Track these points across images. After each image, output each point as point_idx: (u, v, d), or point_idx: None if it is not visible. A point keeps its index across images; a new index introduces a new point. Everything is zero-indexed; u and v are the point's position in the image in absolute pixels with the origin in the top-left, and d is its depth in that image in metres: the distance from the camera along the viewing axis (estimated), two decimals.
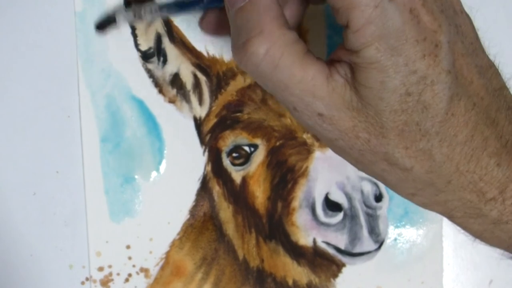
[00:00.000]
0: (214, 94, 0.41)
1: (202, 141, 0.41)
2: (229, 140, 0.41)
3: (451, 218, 0.32)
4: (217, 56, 0.40)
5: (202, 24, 0.36)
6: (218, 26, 0.36)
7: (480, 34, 0.30)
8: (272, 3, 0.29)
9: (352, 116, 0.29)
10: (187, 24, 0.40)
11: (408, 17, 0.27)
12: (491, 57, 0.31)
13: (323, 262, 0.41)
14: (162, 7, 0.36)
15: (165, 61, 0.40)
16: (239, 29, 0.29)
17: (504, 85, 0.31)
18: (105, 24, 0.39)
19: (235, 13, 0.29)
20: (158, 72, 0.40)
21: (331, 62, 0.29)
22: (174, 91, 0.41)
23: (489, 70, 0.30)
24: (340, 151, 0.31)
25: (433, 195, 0.31)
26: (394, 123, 0.28)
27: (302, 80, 0.28)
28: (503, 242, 0.32)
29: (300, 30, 0.40)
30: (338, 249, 0.41)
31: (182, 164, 0.41)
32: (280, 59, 0.28)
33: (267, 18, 0.28)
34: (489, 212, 0.30)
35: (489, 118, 0.30)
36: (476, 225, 0.32)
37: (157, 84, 0.40)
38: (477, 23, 0.31)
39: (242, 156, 0.41)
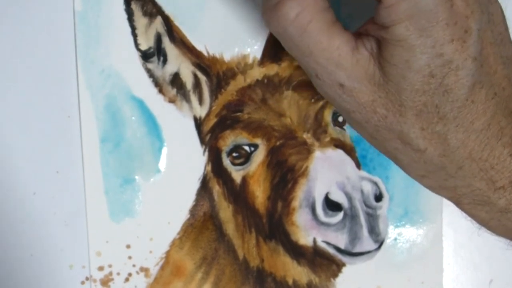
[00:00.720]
0: (214, 93, 0.41)
1: (202, 141, 0.41)
2: (229, 139, 0.41)
3: (459, 204, 0.32)
4: (217, 55, 0.41)
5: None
6: None
7: (509, 24, 0.31)
8: None
9: (373, 91, 0.29)
10: (188, 24, 0.40)
11: None
12: None
13: (323, 262, 0.41)
14: None
15: (165, 61, 0.40)
16: None
17: None
18: None
19: None
20: (158, 72, 0.40)
21: (358, 35, 0.29)
22: (174, 91, 0.41)
23: None
24: (355, 124, 0.31)
25: (443, 179, 0.31)
26: (414, 102, 0.28)
27: (327, 48, 0.28)
28: (509, 232, 0.33)
29: None
30: (338, 249, 0.41)
31: (182, 164, 0.41)
32: (309, 24, 0.28)
33: None
34: (497, 201, 0.31)
35: (508, 108, 0.30)
36: (483, 213, 0.32)
37: (157, 84, 0.40)
38: (507, 13, 0.31)
39: (242, 156, 0.41)
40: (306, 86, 0.41)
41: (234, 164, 0.41)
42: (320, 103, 0.40)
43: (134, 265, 0.41)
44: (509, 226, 0.32)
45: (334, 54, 0.29)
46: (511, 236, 0.33)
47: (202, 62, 0.40)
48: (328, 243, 0.41)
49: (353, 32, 0.29)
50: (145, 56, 0.40)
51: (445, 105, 0.28)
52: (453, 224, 0.42)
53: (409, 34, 0.27)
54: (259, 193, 0.41)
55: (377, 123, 0.29)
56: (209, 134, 0.41)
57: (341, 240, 0.41)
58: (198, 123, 0.41)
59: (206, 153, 0.41)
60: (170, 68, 0.40)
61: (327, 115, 0.41)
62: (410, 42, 0.27)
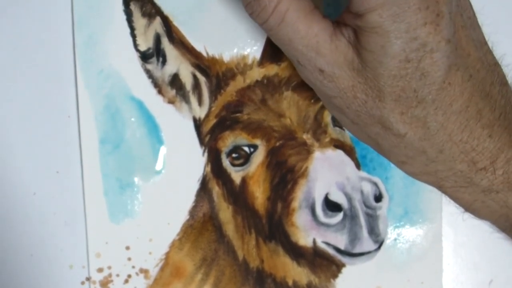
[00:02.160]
0: (214, 94, 0.41)
1: (201, 142, 0.41)
2: (228, 140, 0.41)
3: (441, 188, 0.33)
4: (217, 56, 0.40)
5: None
6: None
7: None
8: None
9: (352, 76, 0.29)
10: (187, 24, 0.40)
11: None
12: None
13: (323, 263, 0.41)
14: None
15: (164, 62, 0.40)
16: None
17: (497, 62, 0.32)
18: None
19: None
20: (157, 73, 0.40)
21: (337, 24, 0.30)
22: (173, 92, 0.41)
23: (485, 45, 0.31)
24: (337, 109, 0.31)
25: (424, 164, 0.31)
26: (392, 88, 0.29)
27: (306, 35, 0.29)
28: (494, 213, 0.33)
29: None
30: (338, 250, 0.41)
31: (181, 164, 0.41)
32: (286, 13, 0.29)
33: None
34: (479, 182, 0.31)
35: (484, 91, 0.30)
36: (467, 195, 0.32)
37: (156, 84, 0.40)
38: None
39: (241, 157, 0.41)
40: (306, 86, 0.40)
41: (233, 165, 0.41)
42: (320, 104, 0.40)
43: (133, 267, 0.41)
44: (492, 207, 0.33)
45: (312, 41, 0.29)
46: (495, 218, 0.34)
47: (201, 63, 0.40)
48: (328, 244, 0.41)
49: (332, 21, 0.30)
50: (144, 56, 0.40)
51: (422, 88, 0.29)
52: (453, 224, 0.42)
53: (382, 20, 0.27)
54: (259, 194, 0.41)
55: (357, 108, 0.30)
56: (209, 135, 0.41)
57: (341, 241, 0.41)
58: (198, 124, 0.41)
59: (206, 154, 0.41)
60: (169, 68, 0.40)
61: (327, 116, 0.41)
62: (384, 28, 0.27)
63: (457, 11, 0.29)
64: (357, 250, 0.41)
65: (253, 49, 0.40)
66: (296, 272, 0.41)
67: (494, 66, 0.31)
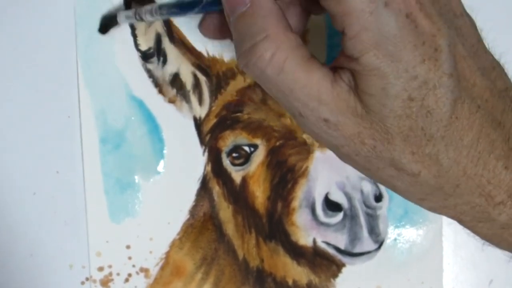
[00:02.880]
0: (214, 94, 0.41)
1: (202, 141, 0.41)
2: (229, 140, 0.41)
3: (461, 222, 0.31)
4: (217, 56, 0.40)
5: (201, 28, 0.35)
6: (218, 30, 0.35)
7: (484, 34, 0.30)
8: (274, 7, 0.28)
9: (357, 122, 0.28)
10: (187, 24, 0.40)
11: (404, 22, 0.26)
12: (496, 57, 0.31)
13: (323, 262, 0.41)
14: (161, 8, 0.35)
15: (165, 61, 0.40)
16: (243, 35, 0.29)
17: (509, 86, 0.30)
18: (107, 25, 0.39)
19: (236, 20, 0.29)
20: (158, 72, 0.40)
21: (334, 68, 0.29)
22: (174, 91, 0.41)
23: (493, 71, 0.30)
24: (346, 158, 0.30)
25: (442, 199, 0.30)
26: (399, 128, 0.28)
27: (307, 84, 0.28)
28: None
29: None
30: (338, 249, 0.41)
31: (182, 164, 0.41)
32: (285, 62, 0.28)
33: (271, 22, 0.28)
34: (497, 217, 0.30)
35: (495, 120, 0.29)
36: (485, 229, 0.31)
37: (157, 84, 0.40)
38: (479, 23, 0.30)
39: (242, 156, 0.41)
40: None
41: (234, 164, 0.41)
42: None
43: (134, 266, 0.41)
44: (511, 241, 0.32)
45: (314, 90, 0.28)
46: None
47: (202, 63, 0.40)
48: (328, 244, 0.41)
49: (329, 66, 0.29)
50: (145, 56, 0.40)
51: (430, 126, 0.28)
52: (453, 224, 0.42)
53: (379, 61, 0.27)
54: (259, 193, 0.41)
55: (367, 154, 0.29)
56: (209, 134, 0.41)
57: (341, 241, 0.41)
58: (198, 124, 0.41)
59: (206, 154, 0.41)
60: (170, 68, 0.40)
61: None
62: (382, 70, 0.27)
63: (458, 41, 0.28)
64: (357, 250, 0.41)
65: None
66: (296, 271, 0.41)
67: (505, 92, 0.30)
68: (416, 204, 0.32)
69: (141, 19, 0.37)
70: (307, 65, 0.28)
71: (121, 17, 0.38)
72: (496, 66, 0.30)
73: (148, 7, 0.36)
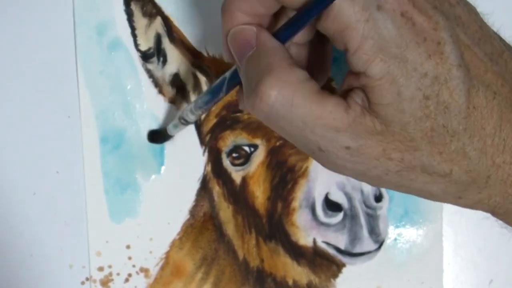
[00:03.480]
0: None
1: (202, 141, 0.41)
2: (229, 140, 0.41)
3: (495, 214, 0.31)
4: (217, 56, 0.40)
5: (240, 103, 0.33)
6: None
7: (492, 19, 0.30)
8: (278, 46, 0.28)
9: (379, 140, 0.28)
10: (187, 25, 0.40)
11: (401, 21, 0.26)
12: (507, 40, 0.30)
13: (323, 262, 0.41)
14: (198, 103, 0.35)
15: (165, 62, 0.40)
16: (250, 77, 0.28)
17: None
18: (160, 139, 0.40)
19: (245, 65, 0.29)
20: (158, 73, 0.40)
21: (344, 92, 0.28)
22: (174, 91, 0.41)
23: (503, 54, 0.29)
24: (377, 180, 0.30)
25: (477, 193, 0.30)
26: (422, 132, 0.28)
27: (321, 115, 0.27)
28: None
29: None
30: (338, 249, 0.41)
31: (182, 164, 0.41)
32: (293, 96, 0.27)
33: (275, 59, 0.28)
34: None
35: None
36: None
37: (157, 84, 0.40)
38: (487, 8, 0.30)
39: (242, 156, 0.41)
40: None
41: (234, 164, 0.41)
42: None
43: (134, 266, 0.41)
44: None
45: (329, 119, 0.27)
46: None
47: (201, 63, 0.40)
48: (328, 244, 0.41)
49: (338, 93, 0.29)
50: (145, 56, 0.40)
51: (450, 121, 0.27)
52: (453, 224, 0.42)
53: (387, 66, 0.26)
54: (259, 193, 0.41)
55: (396, 168, 0.28)
56: (209, 134, 0.41)
57: (341, 241, 0.41)
58: (198, 124, 0.41)
59: (206, 154, 0.41)
60: (170, 68, 0.40)
61: None
62: (392, 74, 0.26)
63: (459, 31, 0.28)
64: (357, 250, 0.41)
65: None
66: (296, 271, 0.41)
67: None
68: (454, 205, 0.31)
69: (187, 122, 0.37)
70: (317, 97, 0.28)
71: (170, 130, 0.38)
72: (505, 50, 0.30)
73: (187, 107, 0.36)
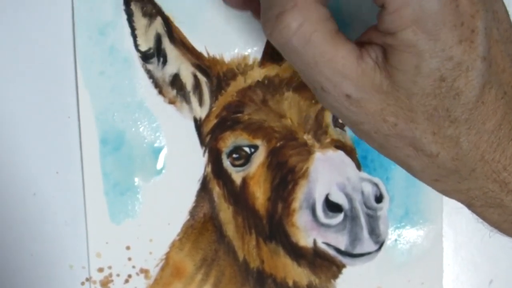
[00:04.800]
0: (214, 95, 0.41)
1: (202, 142, 0.41)
2: (229, 141, 0.41)
3: (471, 206, 0.32)
4: (218, 56, 0.40)
5: None
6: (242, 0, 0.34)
7: None
8: None
9: (381, 99, 0.28)
10: (188, 25, 0.40)
11: (446, 0, 0.26)
12: None
13: (324, 263, 0.41)
14: None
15: (165, 62, 0.40)
16: (271, 2, 0.28)
17: None
18: None
19: None
20: (158, 73, 0.40)
21: (361, 44, 0.28)
22: (174, 92, 0.40)
23: None
24: (364, 135, 0.30)
25: (456, 182, 0.30)
26: (424, 107, 0.28)
27: (332, 58, 0.28)
28: None
29: None
30: (338, 250, 0.41)
31: (182, 165, 0.41)
32: (312, 34, 0.27)
33: None
34: (510, 203, 0.30)
35: None
36: (496, 215, 0.31)
37: (157, 85, 0.40)
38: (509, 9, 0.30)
39: (242, 157, 0.41)
40: (307, 87, 0.40)
41: (234, 165, 0.41)
42: (321, 104, 0.40)
43: (134, 267, 0.41)
44: None
45: (339, 65, 0.28)
46: None
47: (202, 63, 0.40)
48: (328, 245, 0.41)
49: (356, 41, 0.29)
50: (145, 57, 0.40)
51: (456, 108, 0.28)
52: (453, 224, 0.42)
53: (417, 38, 0.26)
54: (259, 194, 0.41)
55: (387, 132, 0.29)
56: (209, 135, 0.41)
57: (342, 242, 0.41)
58: (198, 124, 0.41)
59: (206, 154, 0.41)
60: (170, 69, 0.40)
61: (328, 116, 0.41)
62: (419, 47, 0.26)
63: (493, 25, 0.28)
64: (357, 250, 0.41)
65: (254, 50, 0.40)
66: (296, 272, 0.41)
67: None
68: (428, 185, 0.31)
69: None
70: (334, 39, 0.28)
71: None
72: None
73: None
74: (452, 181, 0.30)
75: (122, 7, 0.40)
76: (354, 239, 0.41)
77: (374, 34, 0.28)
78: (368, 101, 0.28)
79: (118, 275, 0.41)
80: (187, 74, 0.40)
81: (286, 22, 0.27)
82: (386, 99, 0.28)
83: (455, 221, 0.42)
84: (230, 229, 0.41)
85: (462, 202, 0.32)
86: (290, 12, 0.27)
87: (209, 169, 0.41)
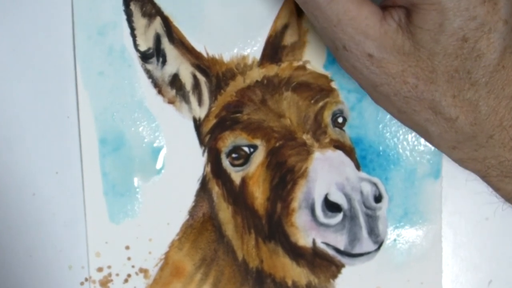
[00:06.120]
0: (214, 94, 0.41)
1: (201, 142, 0.41)
2: (228, 140, 0.41)
3: (486, 177, 0.32)
4: (217, 56, 0.40)
5: None
6: None
7: None
8: None
9: (402, 60, 0.28)
10: (187, 25, 0.40)
11: None
12: None
13: (323, 263, 0.41)
14: None
15: (164, 62, 0.40)
16: None
17: None
18: None
19: None
20: (157, 73, 0.40)
21: (384, 7, 0.29)
22: (173, 92, 0.41)
23: None
24: (383, 98, 0.30)
25: (473, 150, 0.30)
26: (446, 68, 0.28)
27: (356, 17, 0.28)
28: None
29: (300, 31, 0.40)
30: (337, 250, 0.41)
31: (181, 165, 0.41)
32: None
33: None
34: None
35: None
36: (510, 186, 0.31)
37: (156, 84, 0.40)
38: None
39: (241, 157, 0.41)
40: (306, 87, 0.40)
41: (233, 165, 0.41)
42: (320, 104, 0.40)
43: (133, 266, 0.41)
44: None
45: (362, 24, 0.28)
46: None
47: (201, 63, 0.40)
48: (327, 244, 0.41)
49: (380, 5, 0.29)
50: (144, 56, 0.40)
51: (477, 70, 0.28)
52: (453, 224, 0.42)
53: None
54: (259, 194, 0.41)
55: (407, 94, 0.29)
56: (209, 135, 0.41)
57: (341, 241, 0.41)
58: (198, 124, 0.41)
59: (205, 154, 0.41)
60: (169, 69, 0.40)
61: (327, 116, 0.41)
62: (444, 5, 0.27)
63: None
64: (356, 250, 0.41)
65: (253, 50, 0.41)
66: (295, 272, 0.41)
67: None
68: (445, 153, 0.31)
69: None
70: None
71: None
72: None
73: None
74: (469, 148, 0.30)
75: (122, 7, 0.40)
76: (353, 239, 0.41)
77: None
78: (389, 62, 0.28)
79: (117, 274, 0.41)
80: (186, 74, 0.40)
81: None
82: (408, 60, 0.28)
83: (455, 221, 0.42)
84: (229, 229, 0.41)
85: (478, 171, 0.31)
86: None
87: (208, 169, 0.41)
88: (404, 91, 0.29)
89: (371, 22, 0.28)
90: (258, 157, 0.41)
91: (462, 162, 0.32)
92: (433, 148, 0.40)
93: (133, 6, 0.40)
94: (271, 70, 0.41)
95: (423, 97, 0.29)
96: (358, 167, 0.41)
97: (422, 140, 0.40)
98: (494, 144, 0.30)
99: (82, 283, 0.41)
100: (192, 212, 0.41)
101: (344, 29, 0.28)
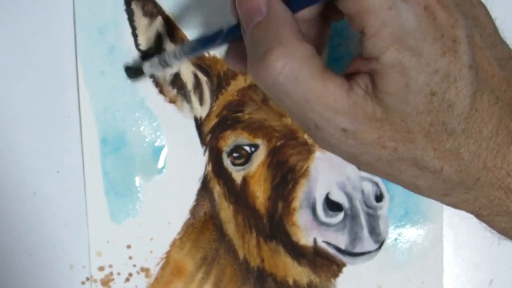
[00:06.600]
0: (215, 94, 0.41)
1: (202, 141, 0.41)
2: (229, 140, 0.41)
3: (479, 216, 0.31)
4: (218, 56, 0.40)
5: (227, 60, 0.34)
6: (245, 59, 0.35)
7: (498, 23, 0.30)
8: (290, 17, 0.28)
9: (376, 127, 0.28)
10: (188, 24, 0.40)
11: (423, 15, 0.26)
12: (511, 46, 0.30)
13: (324, 262, 0.41)
14: (184, 48, 0.35)
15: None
16: (256, 44, 0.28)
17: None
18: (134, 75, 0.40)
19: (252, 29, 0.28)
20: (158, 72, 0.40)
21: (348, 75, 0.28)
22: (174, 91, 0.41)
23: (510, 61, 0.30)
24: (367, 166, 0.30)
25: (463, 193, 0.30)
26: (420, 125, 0.28)
27: (322, 94, 0.28)
28: None
29: None
30: (338, 249, 0.41)
31: (182, 164, 0.41)
32: (299, 71, 0.27)
33: (285, 31, 0.28)
34: None
35: None
36: (503, 223, 0.31)
37: (157, 84, 0.40)
38: (494, 12, 0.30)
39: (242, 156, 0.41)
40: None
41: (234, 164, 0.41)
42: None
43: (134, 265, 0.41)
44: None
45: (330, 100, 0.28)
46: None
47: (202, 63, 0.40)
48: (328, 243, 0.41)
49: (343, 74, 0.29)
50: (146, 56, 0.40)
51: (451, 120, 0.28)
52: (454, 224, 0.42)
53: (401, 57, 0.26)
54: (260, 193, 0.41)
55: (388, 158, 0.29)
56: (210, 134, 0.41)
57: (342, 241, 0.41)
58: (199, 124, 0.41)
59: (207, 154, 0.41)
60: (171, 68, 0.40)
61: None
62: (404, 65, 0.26)
63: (475, 32, 0.28)
64: (357, 249, 0.41)
65: None
66: (296, 271, 0.41)
67: None
68: (437, 201, 0.31)
69: (167, 65, 0.37)
70: (322, 75, 0.28)
71: (146, 68, 0.39)
72: None
73: (171, 51, 0.36)
74: (459, 193, 0.30)
75: (122, 6, 0.40)
76: (354, 238, 0.41)
77: (360, 62, 0.28)
78: (364, 132, 0.28)
79: (118, 273, 0.41)
80: (187, 73, 0.40)
81: (271, 61, 0.27)
82: (382, 126, 0.28)
83: (456, 221, 0.42)
84: (230, 228, 0.41)
85: (471, 212, 0.32)
86: (275, 50, 0.27)
87: (209, 168, 0.41)
88: (385, 155, 0.29)
89: (339, 96, 0.28)
90: (259, 156, 0.41)
91: (454, 205, 0.32)
92: None
93: (134, 6, 0.40)
94: None
95: (405, 157, 0.29)
96: None
97: None
98: (482, 185, 0.30)
99: (83, 283, 0.41)
100: (193, 212, 0.41)
101: (313, 107, 0.28)
